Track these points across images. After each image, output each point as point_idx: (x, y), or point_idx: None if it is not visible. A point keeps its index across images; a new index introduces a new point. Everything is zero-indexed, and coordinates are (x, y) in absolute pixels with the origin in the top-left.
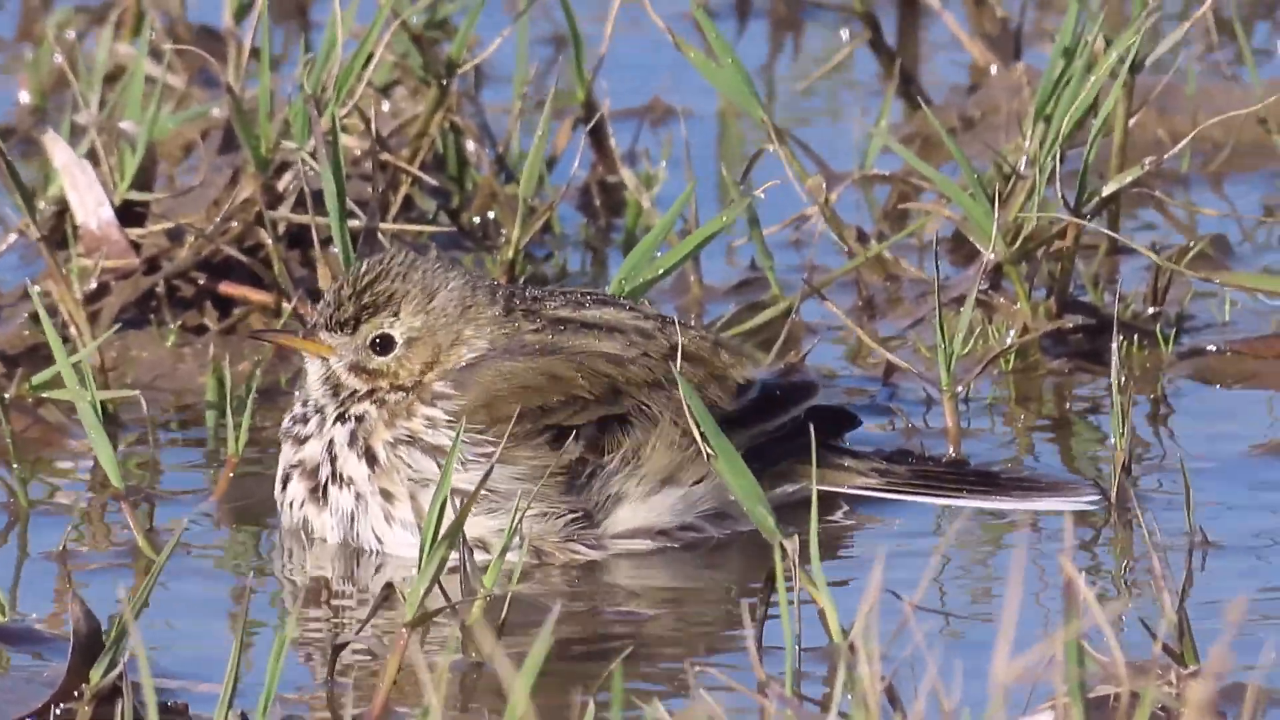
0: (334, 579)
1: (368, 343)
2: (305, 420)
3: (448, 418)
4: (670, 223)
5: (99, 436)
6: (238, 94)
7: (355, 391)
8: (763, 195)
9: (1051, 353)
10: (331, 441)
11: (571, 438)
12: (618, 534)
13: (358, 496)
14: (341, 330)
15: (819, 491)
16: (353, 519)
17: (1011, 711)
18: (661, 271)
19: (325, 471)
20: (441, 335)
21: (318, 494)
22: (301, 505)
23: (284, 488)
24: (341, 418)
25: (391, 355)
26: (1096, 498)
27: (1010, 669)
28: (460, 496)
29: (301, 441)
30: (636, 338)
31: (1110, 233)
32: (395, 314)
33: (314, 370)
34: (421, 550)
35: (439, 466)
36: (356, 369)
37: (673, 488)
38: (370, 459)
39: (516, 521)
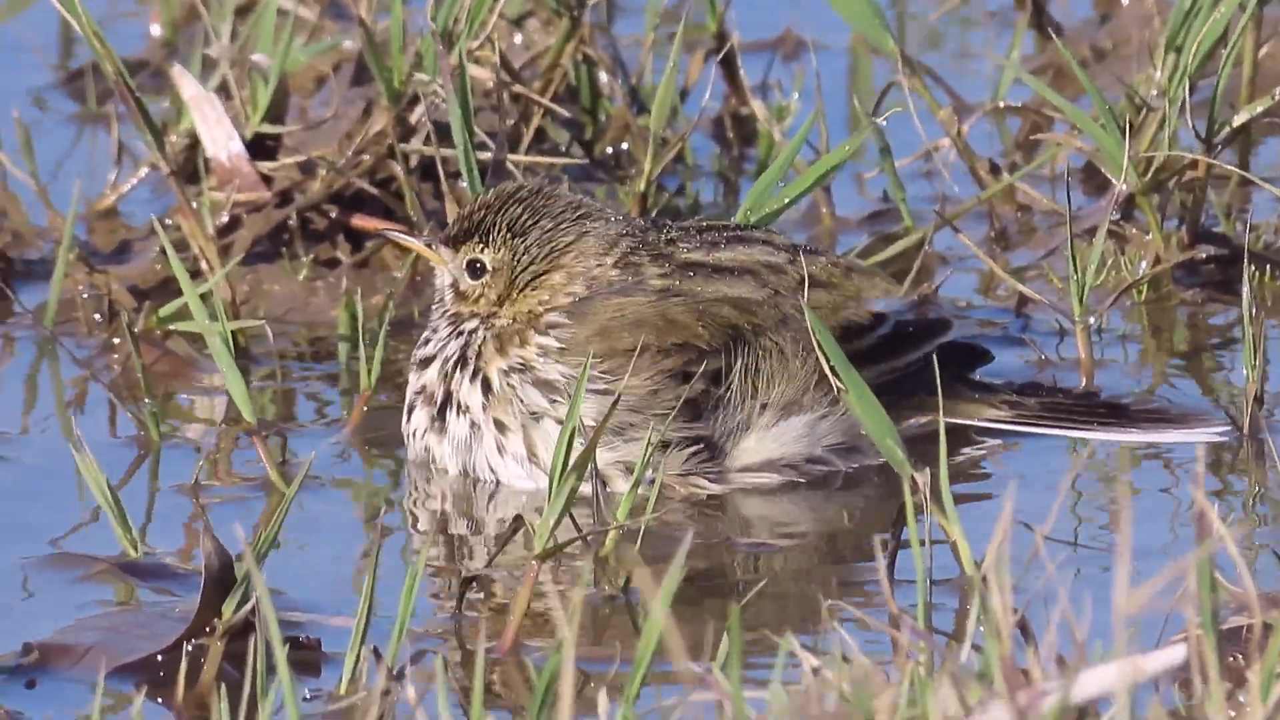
0: (460, 512)
1: (464, 264)
2: (426, 342)
3: (560, 345)
4: (794, 151)
5: (230, 369)
6: (370, 26)
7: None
8: (884, 122)
9: (1184, 284)
10: (447, 366)
11: (694, 377)
12: (743, 467)
13: (472, 425)
14: (449, 246)
15: (949, 425)
16: (469, 448)
17: (1145, 644)
18: (788, 201)
19: (441, 398)
20: (530, 271)
21: (437, 421)
22: (424, 435)
23: (409, 417)
24: (456, 334)
25: (481, 281)
26: (1227, 428)
27: (1133, 598)
28: (579, 428)
29: (424, 365)
30: (769, 276)
31: (1238, 170)
32: (485, 241)
33: (440, 279)
34: (551, 481)
35: (548, 402)
36: (455, 288)
37: (798, 418)
38: (485, 387)
39: (649, 455)
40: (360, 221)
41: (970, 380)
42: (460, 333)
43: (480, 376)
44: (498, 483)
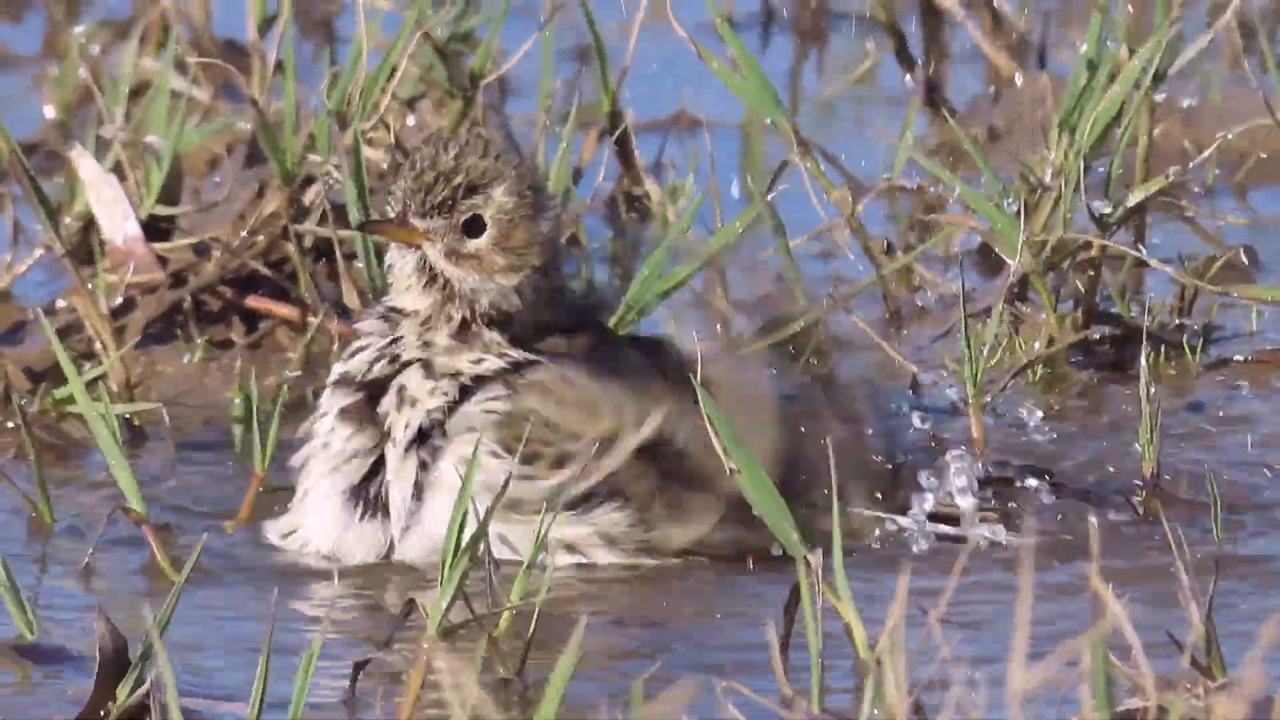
0: (368, 588)
1: (460, 225)
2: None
3: (497, 416)
4: (684, 230)
5: (116, 457)
6: (262, 107)
7: (451, 291)
8: (770, 203)
9: (1079, 364)
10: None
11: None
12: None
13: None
14: (437, 214)
15: None
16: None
17: None
18: (678, 281)
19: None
20: (532, 228)
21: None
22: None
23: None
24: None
25: (484, 238)
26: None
27: (1028, 678)
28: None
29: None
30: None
31: (1132, 251)
32: (488, 194)
33: (406, 264)
34: (444, 561)
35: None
36: (453, 255)
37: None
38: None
39: (544, 532)
40: (255, 302)
41: None
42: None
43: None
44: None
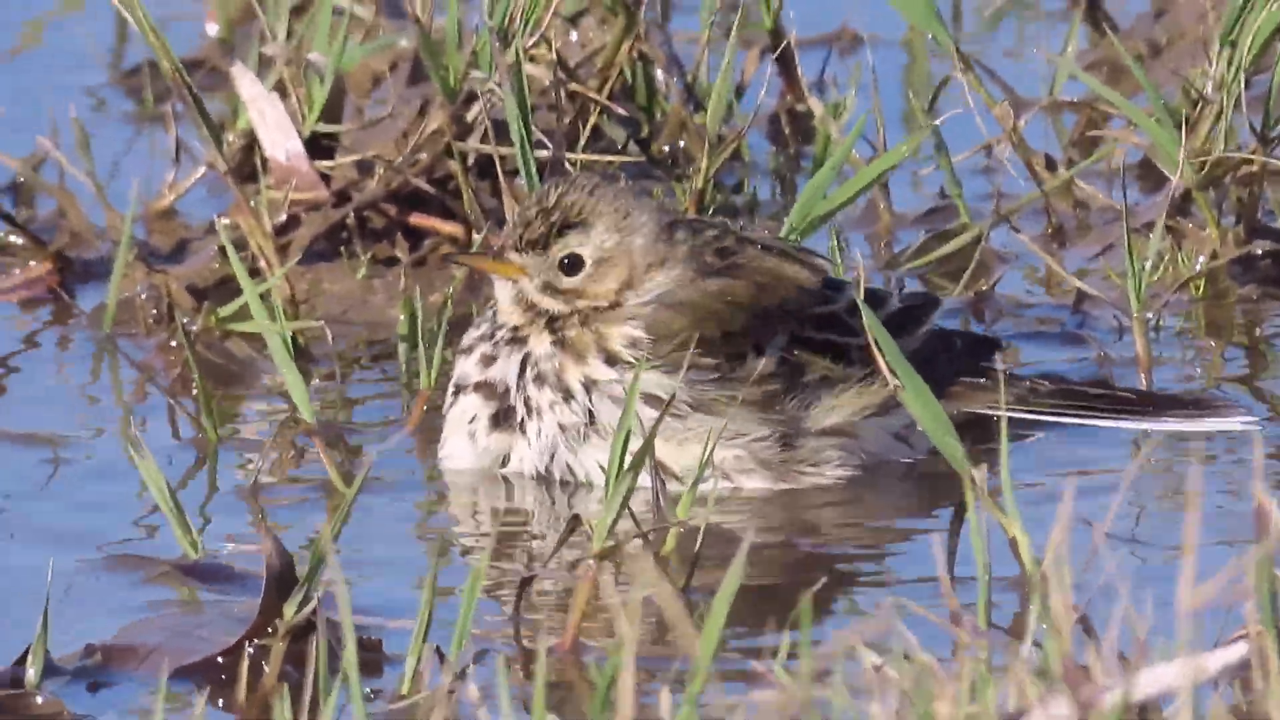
0: (523, 511)
1: (557, 262)
2: (493, 340)
3: (646, 337)
4: (847, 150)
5: (289, 369)
6: (425, 25)
7: (549, 315)
8: (934, 124)
9: (1240, 279)
10: (522, 371)
11: (763, 358)
12: (813, 461)
13: (561, 427)
14: (532, 249)
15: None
16: (551, 453)
17: (1204, 640)
18: (842, 201)
19: (516, 399)
20: (637, 256)
21: (505, 420)
22: (488, 431)
23: (455, 399)
24: (524, 345)
25: (581, 275)
26: (1251, 419)
27: (1196, 596)
28: (649, 424)
29: (488, 362)
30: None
31: None
32: (586, 233)
33: (505, 293)
34: (608, 479)
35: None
36: (549, 289)
37: (869, 413)
38: (565, 393)
39: (710, 450)
40: (419, 220)
41: (982, 368)
42: (524, 340)
43: (559, 384)
44: (575, 484)
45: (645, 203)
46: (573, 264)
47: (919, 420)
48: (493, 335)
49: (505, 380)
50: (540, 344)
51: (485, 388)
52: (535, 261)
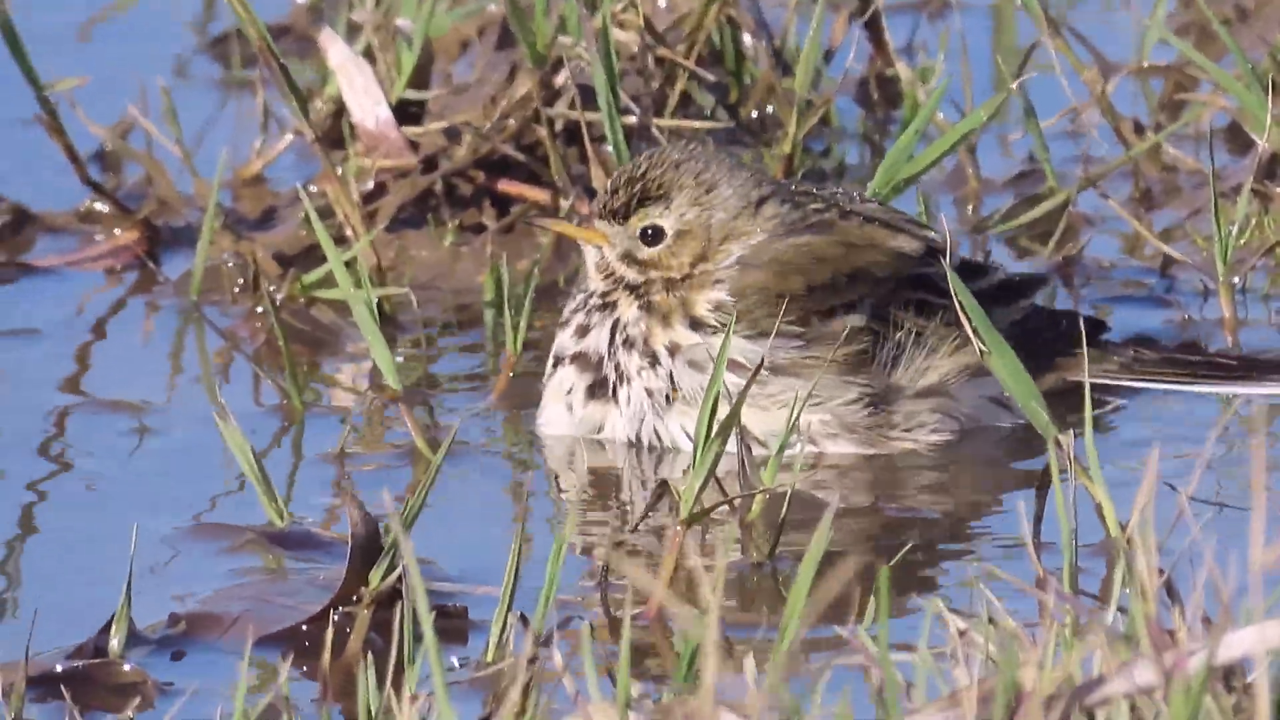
0: (613, 477)
1: (637, 233)
2: (586, 309)
3: (730, 299)
4: (931, 112)
5: (374, 336)
6: None
7: (628, 283)
8: (1020, 86)
9: None
10: (612, 338)
11: (851, 318)
12: (907, 425)
13: (649, 393)
14: (614, 219)
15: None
16: (640, 420)
17: None
18: (928, 163)
19: (609, 367)
20: (715, 230)
21: (599, 390)
22: (584, 402)
23: (554, 370)
24: (614, 311)
25: (661, 246)
26: None
27: (1268, 554)
28: (734, 390)
29: (583, 333)
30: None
31: None
32: (666, 205)
33: (590, 258)
34: (696, 446)
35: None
36: (628, 259)
37: (960, 376)
38: (652, 359)
39: (796, 416)
40: (506, 186)
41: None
42: (619, 313)
43: (646, 350)
44: (662, 449)
45: (737, 176)
46: (654, 235)
47: (1005, 385)
48: (585, 304)
49: (599, 349)
50: (628, 309)
51: (581, 359)
52: (617, 230)
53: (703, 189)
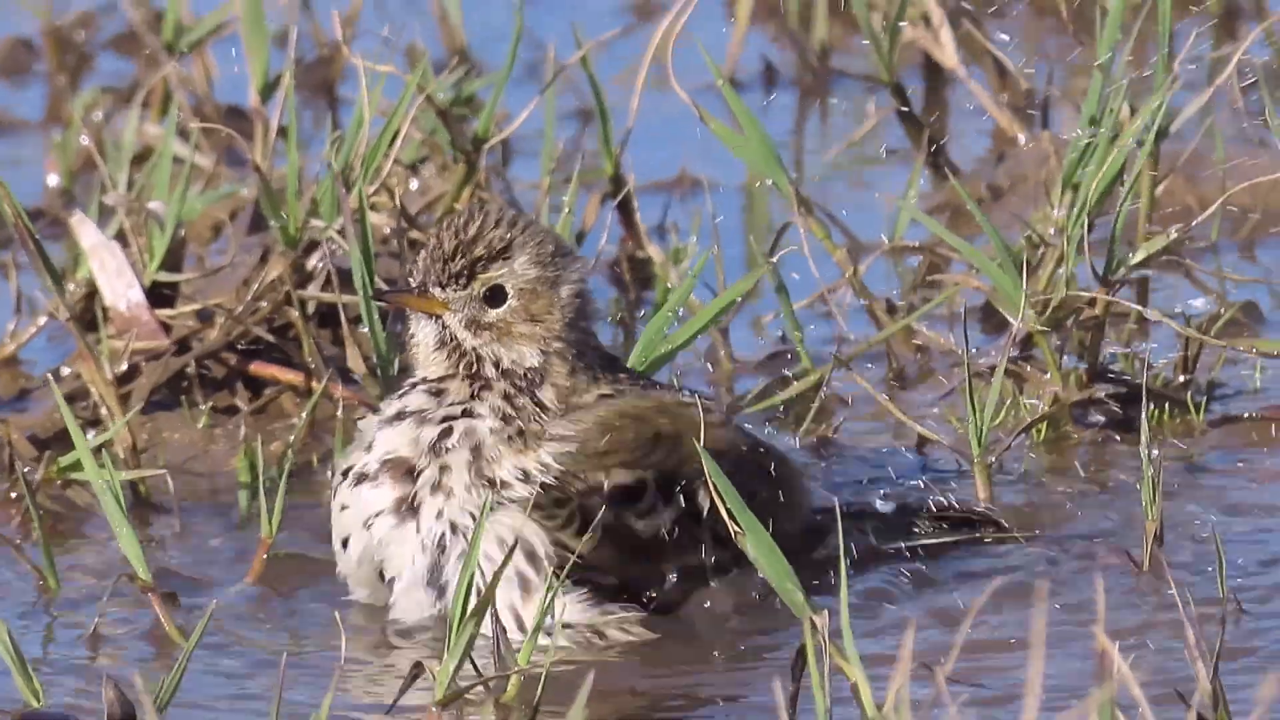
0: (377, 647)
1: (481, 295)
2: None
3: (559, 466)
4: (687, 292)
5: (121, 524)
6: (265, 173)
7: (482, 370)
8: (773, 264)
9: (1083, 422)
10: (443, 442)
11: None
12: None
13: (452, 526)
14: (445, 286)
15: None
16: (442, 548)
17: None
18: (681, 342)
19: (427, 476)
20: (553, 295)
21: (407, 507)
22: (388, 525)
23: (355, 487)
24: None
25: (504, 308)
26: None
27: None
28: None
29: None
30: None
31: (1136, 306)
32: (509, 263)
33: (428, 335)
34: (451, 625)
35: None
36: (474, 325)
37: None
38: (489, 484)
39: (550, 598)
40: (259, 368)
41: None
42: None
43: (482, 473)
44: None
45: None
46: (496, 295)
47: (760, 567)
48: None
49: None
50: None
51: (390, 465)
52: (460, 296)
53: (545, 250)
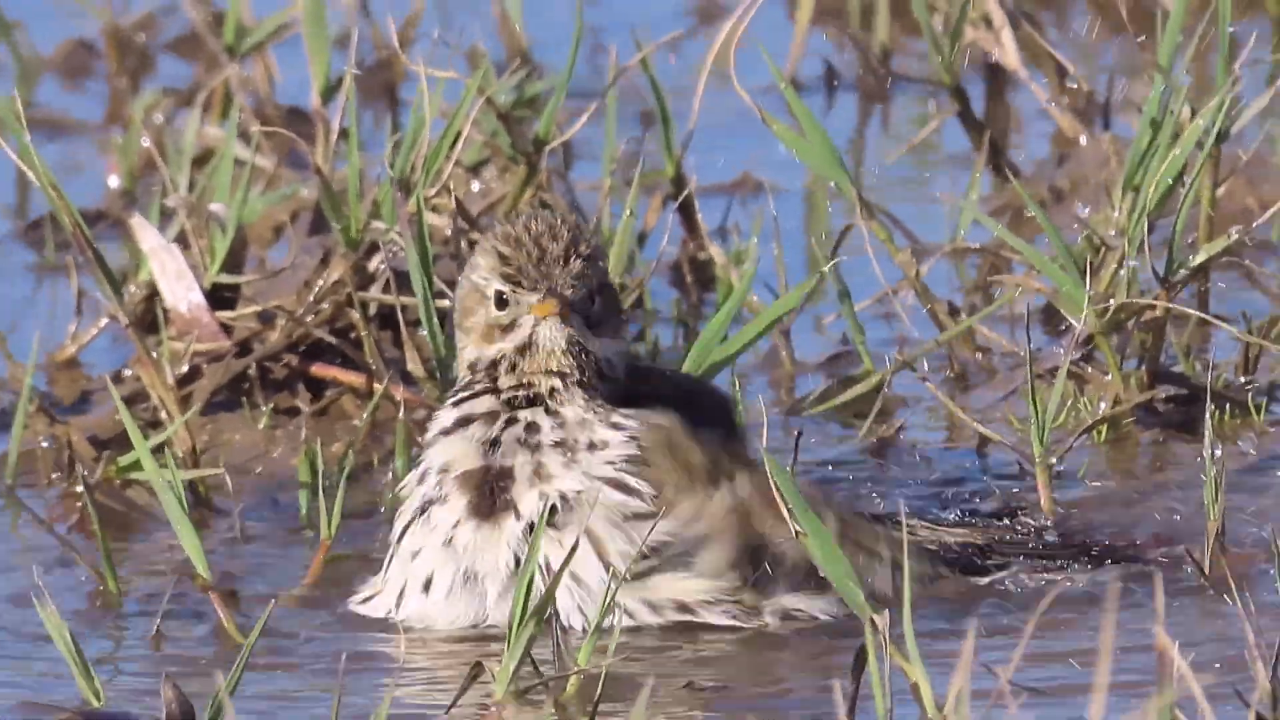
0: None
1: (587, 295)
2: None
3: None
4: (743, 294)
5: (182, 523)
6: (326, 175)
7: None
8: (836, 266)
9: (1144, 424)
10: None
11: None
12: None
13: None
14: (574, 286)
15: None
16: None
17: None
18: (741, 345)
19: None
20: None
21: (493, 507)
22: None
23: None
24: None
25: (599, 304)
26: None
27: None
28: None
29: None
30: None
31: (1196, 312)
32: (602, 264)
33: (556, 338)
34: (511, 625)
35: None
36: (588, 326)
37: None
38: (590, 446)
39: (610, 597)
40: (320, 370)
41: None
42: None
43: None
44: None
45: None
46: (592, 296)
47: (821, 567)
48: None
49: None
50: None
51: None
52: (582, 297)
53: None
